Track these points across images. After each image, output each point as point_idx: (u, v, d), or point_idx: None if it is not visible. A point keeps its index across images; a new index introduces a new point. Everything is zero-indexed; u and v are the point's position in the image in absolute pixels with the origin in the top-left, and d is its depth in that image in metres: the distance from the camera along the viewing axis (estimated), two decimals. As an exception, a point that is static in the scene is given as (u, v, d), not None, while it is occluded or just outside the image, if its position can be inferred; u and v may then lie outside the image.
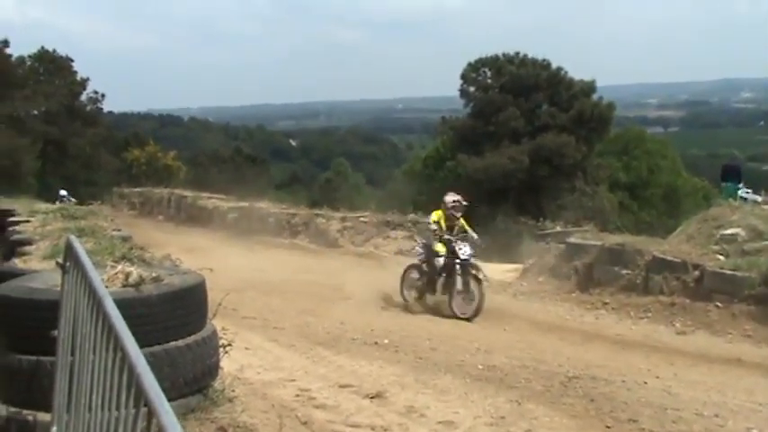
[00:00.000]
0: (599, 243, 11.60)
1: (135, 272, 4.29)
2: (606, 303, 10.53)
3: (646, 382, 6.81)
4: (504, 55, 41.59)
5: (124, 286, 4.16)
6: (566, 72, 41.16)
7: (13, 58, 46.06)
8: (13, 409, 3.97)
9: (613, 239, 11.74)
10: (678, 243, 11.37)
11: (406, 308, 10.65)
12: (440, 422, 5.48)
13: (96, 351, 2.60)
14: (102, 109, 51.57)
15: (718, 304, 9.40)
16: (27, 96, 46.47)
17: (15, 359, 4.03)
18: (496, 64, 41.27)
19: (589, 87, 40.44)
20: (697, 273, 9.82)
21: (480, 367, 7.16)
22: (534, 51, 49.46)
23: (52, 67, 48.36)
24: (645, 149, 45.39)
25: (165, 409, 1.85)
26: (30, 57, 47.86)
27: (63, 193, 25.12)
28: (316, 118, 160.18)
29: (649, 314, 9.87)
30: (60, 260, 3.60)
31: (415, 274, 11.03)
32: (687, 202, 38.90)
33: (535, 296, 11.64)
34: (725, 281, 9.54)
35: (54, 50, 48.96)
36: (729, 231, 10.90)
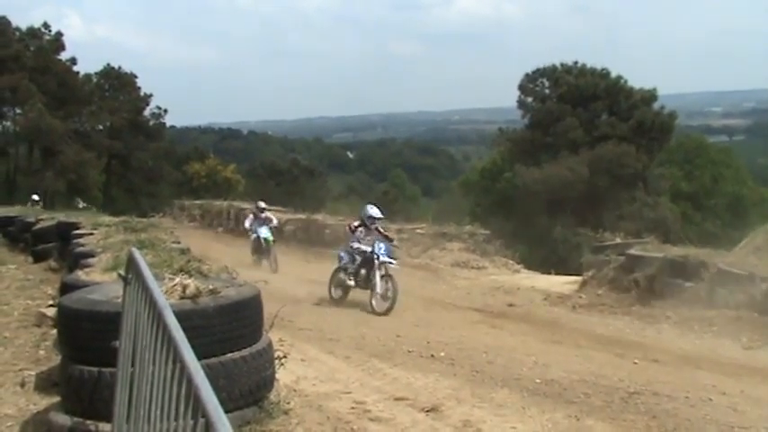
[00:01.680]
0: (661, 255, 11.32)
1: (192, 284, 4.36)
2: (668, 317, 10.26)
3: (711, 399, 6.60)
4: (562, 65, 41.25)
5: (182, 298, 4.23)
6: (625, 81, 40.64)
7: (80, 76, 47.65)
8: (76, 419, 4.07)
9: (676, 251, 11.45)
10: (744, 255, 11.01)
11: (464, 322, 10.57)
12: (496, 437, 5.41)
13: (156, 362, 2.64)
14: (164, 123, 53.03)
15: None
16: (93, 112, 48.10)
17: (78, 370, 4.13)
18: (554, 74, 40.94)
19: (650, 96, 39.76)
20: (764, 286, 9.49)
21: (538, 381, 7.04)
22: (594, 61, 48.89)
23: (117, 83, 49.94)
24: (708, 158, 44.33)
25: (223, 422, 1.86)
26: (96, 74, 49.59)
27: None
28: (372, 130, 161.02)
29: (714, 328, 9.57)
30: (122, 272, 3.68)
31: None
32: (754, 213, 37.79)
33: (594, 309, 11.41)
34: (794, 294, 9.19)
35: (119, 67, 50.65)
36: (798, 243, 10.53)
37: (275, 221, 17.33)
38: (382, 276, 11.34)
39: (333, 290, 12.04)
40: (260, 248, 16.50)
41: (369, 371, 7.32)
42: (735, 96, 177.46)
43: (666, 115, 39.45)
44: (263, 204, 17.90)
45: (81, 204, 25.63)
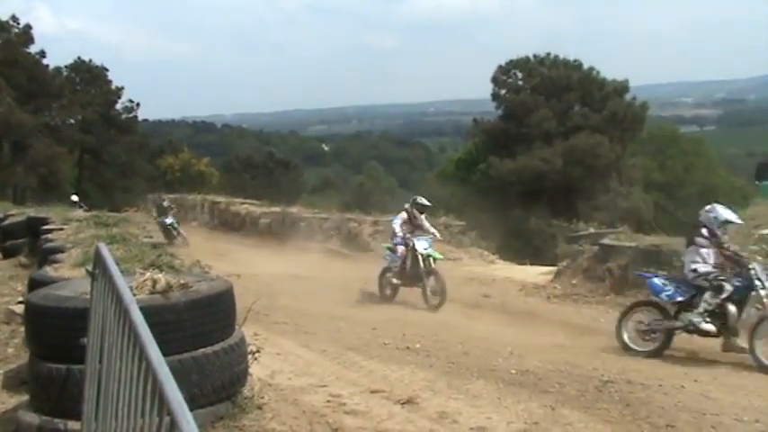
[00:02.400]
0: (634, 244, 11.43)
1: (163, 279, 4.30)
2: (642, 306, 10.33)
3: (683, 386, 6.66)
4: (535, 56, 41.40)
5: (152, 293, 4.17)
6: (598, 72, 40.91)
7: (49, 69, 46.93)
8: (44, 418, 4.00)
9: (649, 240, 11.56)
10: (716, 244, 11.12)
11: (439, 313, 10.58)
12: (472, 428, 5.40)
13: (123, 359, 2.60)
14: (137, 117, 52.39)
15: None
16: (64, 106, 47.41)
17: (46, 367, 4.06)
18: (527, 66, 41.09)
19: (622, 87, 40.08)
20: (735, 274, 9.57)
21: (513, 372, 7.06)
22: (568, 52, 49.10)
23: (88, 76, 49.25)
24: (679, 148, 44.85)
25: (187, 419, 1.84)
26: (66, 67, 48.84)
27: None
28: (348, 122, 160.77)
29: (687, 317, 9.65)
30: (89, 268, 3.61)
31: None
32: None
33: (569, 299, 11.50)
34: (765, 282, 9.28)
35: (90, 60, 49.91)
36: (768, 231, 10.65)
37: (436, 233, 12.24)
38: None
39: (629, 336, 8.38)
40: (413, 270, 11.50)
41: (344, 364, 7.29)
42: (706, 87, 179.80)
43: (638, 106, 39.81)
44: (425, 201, 12.43)
45: (166, 202, 22.23)
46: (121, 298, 2.76)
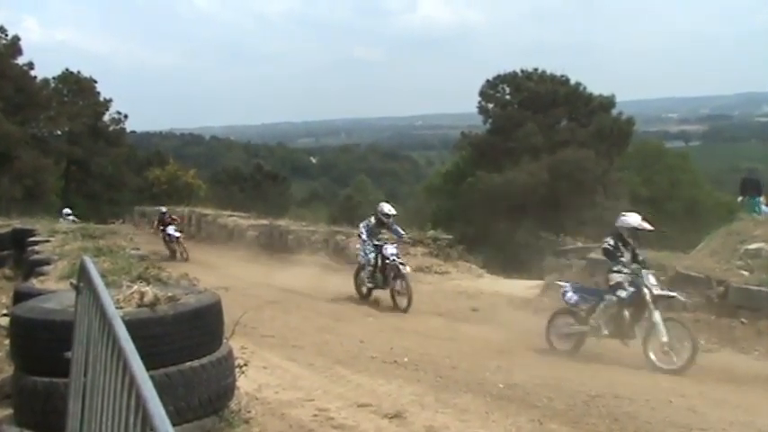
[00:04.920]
0: (621, 259, 11.42)
1: (150, 291, 4.27)
2: (629, 320, 10.34)
3: (671, 401, 6.67)
4: (522, 71, 41.65)
5: (139, 306, 4.14)
6: (584, 87, 41.19)
7: (37, 80, 46.70)
8: (27, 432, 3.96)
9: (635, 255, 11.56)
10: (701, 258, 11.19)
11: (427, 327, 10.55)
12: (460, 442, 5.40)
13: (107, 373, 2.57)
14: (124, 129, 52.15)
15: (744, 320, 9.23)
16: (51, 117, 47.15)
17: (30, 381, 4.02)
18: (515, 80, 41.32)
19: (608, 102, 40.37)
20: (721, 288, 9.65)
21: (501, 386, 7.05)
22: (554, 67, 49.47)
23: (76, 88, 49.03)
24: (665, 163, 45.12)
25: (170, 435, 1.82)
26: (54, 78, 48.55)
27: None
28: (336, 135, 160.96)
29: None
30: (74, 281, 3.58)
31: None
32: (710, 217, 38.50)
33: (557, 313, 11.46)
34: (750, 296, 9.36)
35: (78, 72, 49.71)
36: (753, 246, 10.71)
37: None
38: None
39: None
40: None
41: (332, 377, 7.26)
42: (691, 103, 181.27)
43: (624, 121, 40.11)
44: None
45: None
46: (105, 312, 2.74)
